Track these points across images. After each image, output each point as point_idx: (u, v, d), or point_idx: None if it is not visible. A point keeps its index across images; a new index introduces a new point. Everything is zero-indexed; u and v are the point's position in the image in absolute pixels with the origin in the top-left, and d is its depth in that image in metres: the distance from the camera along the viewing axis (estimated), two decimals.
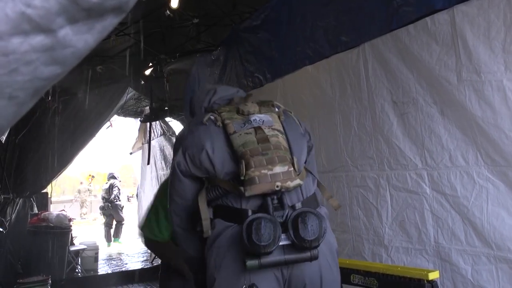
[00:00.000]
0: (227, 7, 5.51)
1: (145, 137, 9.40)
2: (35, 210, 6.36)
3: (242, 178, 1.48)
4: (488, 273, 2.36)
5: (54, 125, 6.03)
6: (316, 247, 1.46)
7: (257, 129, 1.58)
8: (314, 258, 1.48)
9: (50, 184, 6.71)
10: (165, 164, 8.51)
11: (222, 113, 1.67)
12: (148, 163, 8.17)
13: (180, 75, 6.45)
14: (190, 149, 1.64)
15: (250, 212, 1.51)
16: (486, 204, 2.36)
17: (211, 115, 1.68)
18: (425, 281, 2.17)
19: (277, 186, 1.47)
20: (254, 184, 1.46)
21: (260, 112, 1.67)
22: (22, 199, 6.11)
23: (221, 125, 1.63)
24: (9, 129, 5.71)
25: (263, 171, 1.47)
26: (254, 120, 1.62)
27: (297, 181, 1.50)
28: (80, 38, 0.56)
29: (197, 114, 1.87)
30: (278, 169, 1.48)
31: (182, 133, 1.79)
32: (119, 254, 8.63)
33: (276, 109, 1.74)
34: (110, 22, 0.58)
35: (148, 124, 8.18)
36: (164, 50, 6.30)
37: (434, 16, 2.56)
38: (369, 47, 3.04)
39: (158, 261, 6.91)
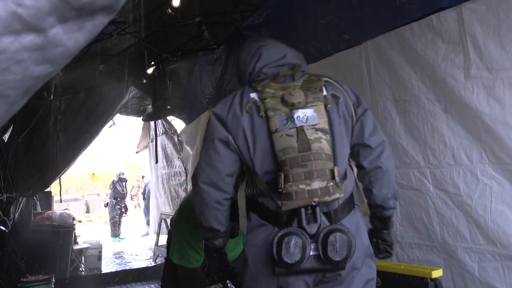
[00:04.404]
0: (228, 5, 5.50)
1: (150, 135, 9.45)
2: (39, 209, 6.38)
3: (280, 190, 1.48)
4: (494, 270, 2.37)
5: (57, 124, 6.03)
6: (343, 267, 1.48)
7: (299, 130, 1.52)
8: (341, 268, 1.49)
9: (55, 183, 6.72)
10: (167, 163, 8.52)
11: (266, 99, 1.59)
12: (157, 162, 8.21)
13: (182, 73, 6.46)
14: (238, 140, 1.61)
15: (285, 217, 1.51)
16: (490, 202, 2.36)
17: (254, 102, 1.61)
18: (429, 279, 2.17)
19: (314, 202, 1.46)
20: (290, 199, 1.46)
21: (306, 103, 1.57)
22: (25, 198, 6.13)
23: (263, 115, 1.57)
24: (11, 128, 5.73)
25: (300, 186, 1.46)
26: (297, 117, 1.54)
27: (336, 195, 1.48)
28: (71, 37, 0.56)
29: (242, 81, 1.80)
30: (316, 184, 1.46)
31: (226, 111, 1.66)
32: (123, 252, 8.65)
33: (324, 93, 1.62)
34: (101, 21, 0.58)
35: (152, 122, 8.20)
36: (166, 49, 6.30)
37: (440, 14, 2.55)
38: (372, 45, 3.03)
39: (161, 260, 6.93)
